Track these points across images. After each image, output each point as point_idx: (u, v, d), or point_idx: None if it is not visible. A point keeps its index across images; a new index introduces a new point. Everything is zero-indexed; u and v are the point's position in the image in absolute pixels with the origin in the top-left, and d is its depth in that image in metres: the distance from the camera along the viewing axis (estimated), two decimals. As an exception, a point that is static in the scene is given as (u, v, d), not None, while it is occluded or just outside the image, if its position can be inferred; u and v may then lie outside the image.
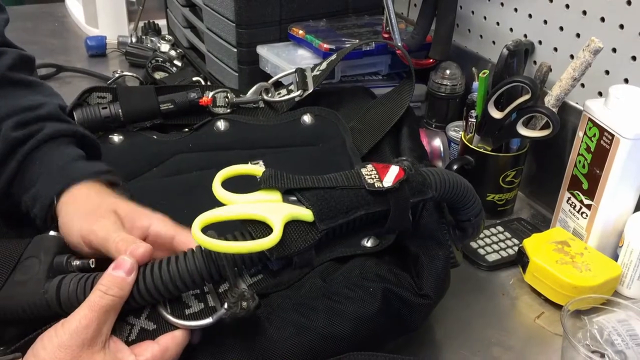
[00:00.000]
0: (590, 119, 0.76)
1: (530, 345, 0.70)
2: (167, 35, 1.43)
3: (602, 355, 0.67)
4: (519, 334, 0.71)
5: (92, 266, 0.56)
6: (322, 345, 0.56)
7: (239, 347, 0.56)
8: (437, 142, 0.99)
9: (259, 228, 0.51)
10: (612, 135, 0.73)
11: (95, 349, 0.48)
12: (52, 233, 0.58)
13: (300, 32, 1.04)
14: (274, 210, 0.52)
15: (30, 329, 0.52)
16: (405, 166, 0.57)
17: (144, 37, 1.44)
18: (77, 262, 0.56)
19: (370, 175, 0.56)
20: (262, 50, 1.05)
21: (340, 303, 0.58)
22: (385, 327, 0.59)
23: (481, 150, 0.88)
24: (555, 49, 0.91)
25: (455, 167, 0.88)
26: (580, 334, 0.69)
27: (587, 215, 0.79)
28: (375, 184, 0.55)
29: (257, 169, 0.56)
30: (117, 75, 1.16)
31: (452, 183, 0.59)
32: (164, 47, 1.37)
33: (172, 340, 0.52)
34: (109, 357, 0.49)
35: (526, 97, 0.79)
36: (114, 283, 0.50)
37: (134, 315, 0.54)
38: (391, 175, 0.56)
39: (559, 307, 0.73)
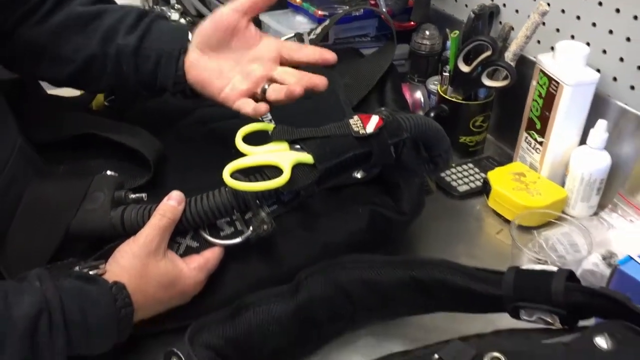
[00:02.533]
0: (541, 70, 0.90)
1: (491, 255, 0.85)
2: (176, 4, 1.53)
3: (546, 262, 0.82)
4: (482, 246, 0.87)
5: (145, 199, 0.71)
6: (322, 253, 0.70)
7: (258, 258, 0.71)
8: (419, 95, 1.13)
9: (273, 171, 0.66)
10: (558, 83, 0.86)
11: (158, 257, 0.63)
12: (109, 172, 0.72)
13: (298, 0, 1.16)
14: (283, 157, 0.67)
15: (95, 246, 0.66)
16: (384, 115, 0.71)
17: (154, 6, 1.55)
18: (132, 196, 0.70)
19: (356, 124, 0.70)
20: (265, 17, 1.17)
21: (336, 221, 0.73)
22: (371, 238, 0.74)
23: (454, 100, 1.01)
24: (517, 11, 1.04)
25: (432, 114, 1.02)
26: (530, 244, 0.84)
27: (540, 151, 0.93)
28: (360, 131, 0.69)
29: (269, 125, 0.70)
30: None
31: (424, 125, 0.73)
32: (174, 15, 1.48)
33: (212, 254, 0.67)
34: (169, 263, 0.64)
35: (488, 53, 0.93)
36: (168, 209, 0.64)
37: (181, 236, 0.68)
38: (372, 123, 0.70)
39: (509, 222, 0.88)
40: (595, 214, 0.91)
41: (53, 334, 0.53)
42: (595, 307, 0.58)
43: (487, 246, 0.86)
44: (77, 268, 0.61)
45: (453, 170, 1.00)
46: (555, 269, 0.61)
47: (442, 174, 0.98)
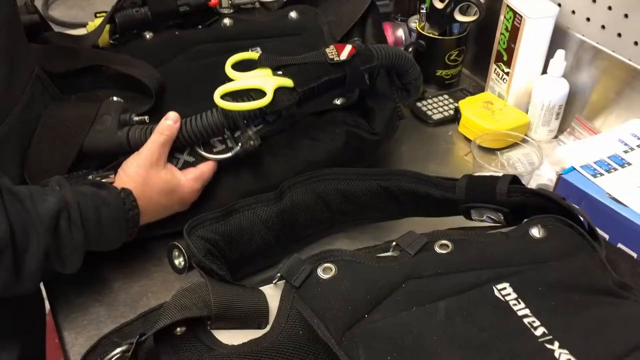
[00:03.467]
0: (507, 5, 0.96)
1: (458, 173, 0.89)
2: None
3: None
4: (451, 166, 0.95)
5: (147, 121, 0.79)
6: (304, 168, 0.79)
7: (248, 173, 0.80)
8: (400, 32, 1.20)
9: (258, 93, 0.74)
10: (521, 17, 0.93)
11: (159, 168, 0.72)
12: (115, 99, 0.81)
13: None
14: (267, 81, 0.75)
15: (106, 160, 0.75)
16: (357, 44, 0.79)
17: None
18: (136, 118, 0.78)
19: (332, 52, 0.78)
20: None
21: (317, 140, 0.82)
22: (348, 156, 0.83)
23: (430, 36, 1.08)
24: (490, -49, 1.10)
25: (410, 49, 1.09)
26: (493, 163, 0.93)
27: (506, 81, 1.01)
28: (335, 59, 0.77)
29: (254, 54, 0.78)
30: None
31: (394, 54, 0.81)
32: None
33: (206, 166, 0.76)
34: (169, 173, 0.73)
35: (460, -10, 1.00)
36: (166, 127, 0.73)
37: (180, 152, 0.77)
38: (346, 51, 0.78)
39: (481, 147, 0.96)
40: (556, 137, 0.99)
41: (72, 229, 0.62)
42: (535, 205, 0.67)
43: (455, 166, 0.95)
44: (90, 177, 0.71)
45: (429, 100, 1.08)
46: (501, 174, 0.70)
47: (419, 104, 1.06)
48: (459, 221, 0.73)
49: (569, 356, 0.50)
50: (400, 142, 0.99)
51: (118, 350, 0.51)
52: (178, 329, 0.54)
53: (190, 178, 0.74)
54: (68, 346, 0.65)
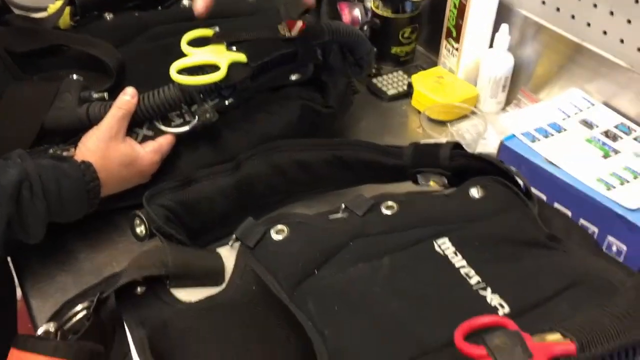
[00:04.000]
0: (455, -17, 1.01)
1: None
2: None
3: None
4: (404, 138, 0.99)
5: (107, 98, 0.81)
6: (261, 141, 0.82)
7: (206, 146, 0.83)
8: (357, 12, 1.22)
9: (213, 68, 0.77)
10: (468, -6, 0.98)
11: (118, 141, 0.75)
12: (75, 77, 0.82)
13: None
14: (221, 56, 0.78)
15: (67, 137, 0.77)
16: (308, 21, 0.82)
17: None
18: (95, 95, 0.81)
19: (284, 28, 0.81)
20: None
21: (273, 114, 0.85)
22: (304, 129, 0.86)
23: (384, 14, 1.12)
24: None
25: (365, 27, 1.13)
26: (444, 134, 0.97)
27: (456, 55, 1.05)
28: (286, 34, 0.80)
29: (209, 31, 0.81)
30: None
31: (344, 30, 0.84)
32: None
33: (164, 139, 0.79)
34: (127, 146, 0.75)
35: (410, -31, 1.03)
36: (124, 102, 0.75)
37: (139, 127, 0.79)
38: (297, 27, 0.81)
39: (432, 120, 1.00)
40: (503, 108, 1.04)
41: (34, 199, 0.64)
42: (475, 169, 0.71)
43: (408, 138, 0.99)
44: (51, 151, 0.73)
45: (385, 77, 1.11)
46: (444, 140, 0.74)
47: (374, 80, 1.10)
48: (408, 188, 0.77)
49: (500, 300, 0.54)
50: (356, 117, 1.03)
51: (80, 307, 0.54)
52: (139, 288, 0.57)
53: (149, 150, 0.77)
54: (35, 312, 0.67)
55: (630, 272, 0.58)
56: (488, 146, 0.92)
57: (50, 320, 0.57)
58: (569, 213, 0.75)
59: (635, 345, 0.44)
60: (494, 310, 0.54)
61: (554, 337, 0.44)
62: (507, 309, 0.54)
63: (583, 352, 0.42)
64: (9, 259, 0.81)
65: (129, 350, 0.54)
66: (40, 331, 0.52)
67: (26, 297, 0.70)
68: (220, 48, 0.78)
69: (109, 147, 0.73)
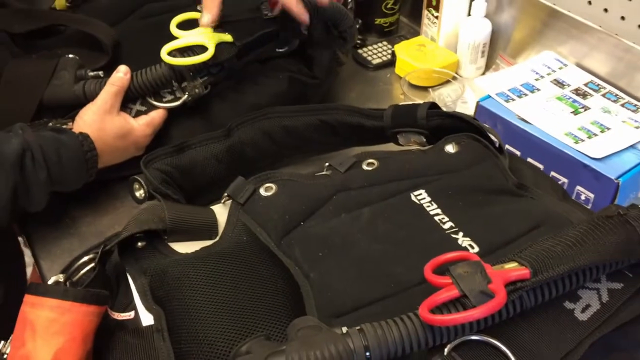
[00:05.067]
0: (433, -46, 1.04)
1: None
2: None
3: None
4: (389, 103, 1.01)
5: (102, 75, 0.85)
6: (250, 112, 0.86)
7: (197, 117, 0.87)
8: (342, -14, 1.26)
9: (201, 49, 0.81)
10: (445, -36, 1.01)
11: (113, 115, 0.79)
12: (70, 56, 0.86)
13: None
14: (208, 37, 0.81)
15: (66, 111, 0.81)
16: (288, 1, 0.86)
17: None
18: (91, 73, 0.85)
19: (266, 8, 0.85)
20: None
21: (261, 85, 0.89)
22: (291, 100, 0.90)
23: (367, -14, 1.15)
24: None
25: (350, 0, 1.16)
26: (426, 99, 1.01)
27: (436, 24, 1.09)
28: (268, 14, 0.84)
29: (196, 14, 0.85)
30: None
31: (325, 6, 0.88)
32: None
33: (157, 113, 0.83)
34: (122, 119, 0.79)
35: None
36: (117, 79, 0.79)
37: (132, 103, 0.83)
38: (278, 7, 0.85)
39: (415, 86, 1.04)
40: (483, 73, 1.08)
41: (36, 168, 0.68)
42: (451, 127, 0.75)
43: (392, 101, 1.03)
44: (50, 124, 0.77)
45: (369, 47, 1.15)
46: (421, 102, 0.78)
47: (360, 51, 1.14)
48: (390, 149, 0.81)
49: (470, 242, 0.59)
50: (343, 86, 1.07)
51: (85, 258, 0.59)
52: (139, 243, 0.62)
53: (142, 123, 0.81)
54: (45, 271, 0.72)
55: (591, 214, 0.63)
56: (468, 109, 0.96)
57: (60, 273, 0.62)
58: (541, 167, 0.79)
59: (584, 269, 0.49)
60: (464, 250, 0.58)
61: (511, 265, 0.48)
62: (476, 249, 0.59)
63: (536, 276, 0.47)
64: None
65: (132, 300, 0.60)
66: (50, 282, 0.56)
67: (36, 258, 0.75)
68: (208, 29, 0.82)
69: (105, 120, 0.77)
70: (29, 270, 1.09)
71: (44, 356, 0.49)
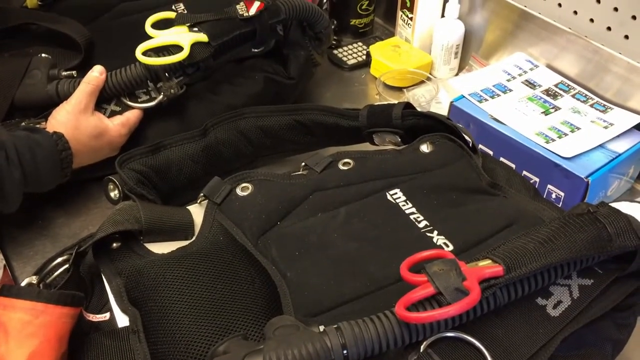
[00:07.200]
0: (407, -44, 1.05)
1: None
2: None
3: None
4: (364, 103, 1.02)
5: (75, 75, 0.84)
6: (225, 111, 0.86)
7: (173, 117, 0.86)
8: (317, -13, 1.27)
9: (176, 49, 0.80)
10: (419, -34, 1.02)
11: (87, 115, 0.78)
12: (43, 55, 0.85)
13: None
14: (184, 37, 0.81)
15: (39, 111, 0.80)
16: (265, 0, 0.85)
17: None
18: (64, 73, 0.83)
19: (242, 8, 0.85)
20: None
21: (237, 86, 0.89)
22: (267, 100, 0.90)
23: (342, -13, 1.16)
24: None
25: (325, 0, 1.16)
26: (400, 100, 1.02)
27: (411, 25, 1.10)
28: (244, 14, 0.84)
29: (171, 14, 0.84)
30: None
31: (300, 7, 0.88)
32: None
33: (132, 114, 0.82)
34: (96, 119, 0.78)
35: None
36: (92, 78, 0.78)
37: (107, 103, 0.82)
38: (254, 7, 0.85)
39: (390, 87, 1.05)
40: (457, 74, 1.09)
41: (11, 167, 0.67)
42: (426, 127, 0.75)
43: (367, 103, 1.03)
44: (23, 124, 0.76)
45: (345, 48, 1.15)
46: (396, 102, 0.79)
47: (335, 52, 1.14)
48: (366, 148, 0.81)
49: (445, 240, 0.60)
50: (319, 86, 1.07)
51: (59, 259, 0.58)
52: (114, 244, 0.61)
53: (117, 123, 0.80)
54: (17, 273, 0.71)
55: (562, 212, 0.64)
56: (442, 109, 0.96)
57: (33, 275, 0.61)
58: (513, 166, 0.81)
59: (556, 265, 0.50)
60: (439, 248, 0.59)
61: (485, 262, 0.49)
62: (451, 247, 0.59)
63: (509, 273, 0.48)
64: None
65: (107, 302, 0.59)
66: (23, 283, 0.55)
67: (8, 260, 0.73)
68: (183, 29, 0.82)
69: (79, 119, 0.76)
70: None
71: (17, 359, 0.48)
